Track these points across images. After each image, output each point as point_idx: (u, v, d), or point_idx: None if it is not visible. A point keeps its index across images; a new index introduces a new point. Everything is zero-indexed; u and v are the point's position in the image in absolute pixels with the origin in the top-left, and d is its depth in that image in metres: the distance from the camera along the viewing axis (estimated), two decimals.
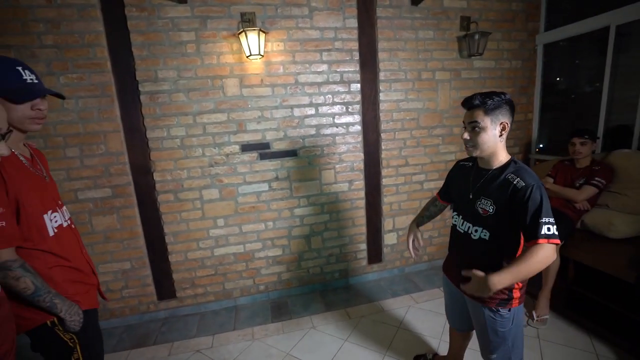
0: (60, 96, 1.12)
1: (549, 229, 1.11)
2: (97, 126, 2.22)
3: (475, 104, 1.21)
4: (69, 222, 1.19)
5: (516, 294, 1.29)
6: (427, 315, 2.37)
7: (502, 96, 1.20)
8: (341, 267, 2.86)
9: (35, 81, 1.04)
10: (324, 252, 2.78)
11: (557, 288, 2.19)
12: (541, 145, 3.16)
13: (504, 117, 1.21)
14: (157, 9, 2.17)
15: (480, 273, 1.18)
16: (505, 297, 1.28)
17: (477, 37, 2.58)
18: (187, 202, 2.44)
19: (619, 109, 2.51)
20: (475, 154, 1.27)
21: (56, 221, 1.11)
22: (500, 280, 1.13)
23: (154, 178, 2.36)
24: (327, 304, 2.62)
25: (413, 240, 1.66)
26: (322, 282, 2.84)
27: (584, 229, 2.33)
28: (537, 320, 2.15)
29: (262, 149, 2.49)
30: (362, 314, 2.45)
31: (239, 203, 2.53)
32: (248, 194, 2.53)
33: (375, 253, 2.92)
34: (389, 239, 2.92)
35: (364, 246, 2.88)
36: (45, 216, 1.06)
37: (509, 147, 3.03)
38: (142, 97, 2.24)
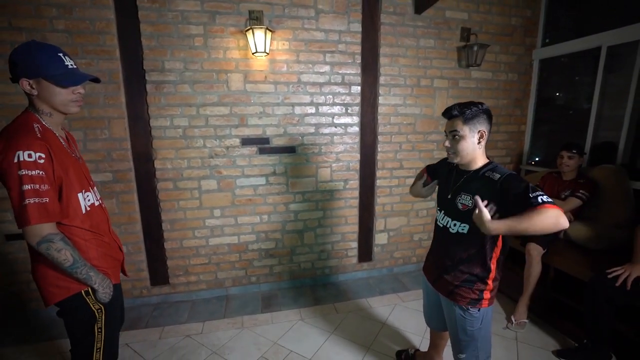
0: (97, 80, 1.19)
1: (546, 198, 1.11)
2: (102, 112, 2.27)
3: (454, 114, 1.29)
4: (100, 201, 1.27)
5: (486, 295, 1.35)
6: (412, 314, 2.46)
7: (480, 106, 1.28)
8: (332, 263, 2.93)
9: (74, 66, 1.12)
10: (316, 248, 2.86)
11: (537, 294, 2.29)
12: (537, 159, 3.26)
13: (482, 126, 1.28)
14: (168, 1, 2.23)
15: (481, 208, 1.16)
16: (475, 297, 1.35)
17: (475, 48, 2.67)
18: (185, 191, 2.50)
19: (606, 126, 2.62)
20: (456, 160, 1.35)
21: (89, 200, 1.19)
22: (495, 224, 1.13)
23: (155, 166, 2.42)
24: (316, 298, 2.70)
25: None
26: (313, 277, 2.91)
27: (566, 239, 2.43)
28: (515, 324, 2.25)
29: (262, 144, 2.56)
30: (350, 309, 2.53)
31: (236, 195, 2.59)
32: (245, 186, 2.59)
33: (365, 252, 3.00)
34: (380, 238, 3.00)
35: (355, 244, 2.96)
36: (79, 195, 1.14)
37: (501, 157, 3.15)
38: (148, 86, 2.30)
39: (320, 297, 2.70)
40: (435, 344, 1.82)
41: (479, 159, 1.33)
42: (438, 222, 1.49)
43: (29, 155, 0.96)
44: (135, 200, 2.44)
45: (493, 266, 1.33)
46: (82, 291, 1.13)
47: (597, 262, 2.10)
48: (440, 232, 1.47)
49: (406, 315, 2.45)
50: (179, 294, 2.66)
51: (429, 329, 2.01)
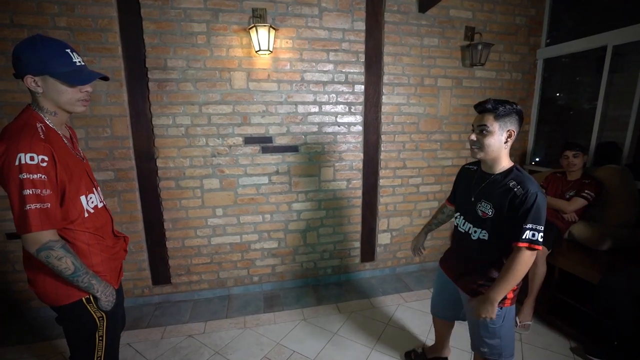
0: (106, 78, 1.14)
1: (533, 235, 1.19)
2: (104, 110, 2.25)
3: (488, 108, 1.27)
4: (103, 202, 1.22)
5: (509, 294, 1.35)
6: (415, 314, 2.44)
7: (514, 105, 1.26)
8: (334, 263, 2.92)
9: (82, 63, 1.07)
10: (318, 248, 2.84)
11: (542, 295, 2.27)
12: (537, 159, 3.25)
13: (512, 125, 1.26)
14: None
15: (477, 299, 1.33)
16: None
17: (480, 47, 2.66)
18: (187, 190, 2.48)
19: (611, 127, 2.60)
20: (479, 156, 1.33)
21: (92, 202, 1.14)
22: (495, 295, 1.26)
23: (157, 164, 2.40)
24: (318, 298, 2.68)
25: (417, 247, 1.84)
26: (315, 276, 2.89)
27: (571, 239, 2.41)
28: (520, 326, 2.23)
29: (265, 143, 2.54)
30: (353, 309, 2.52)
31: (239, 194, 2.58)
32: (248, 185, 2.58)
33: (368, 252, 2.98)
34: (383, 238, 2.98)
35: (357, 244, 2.94)
36: (82, 198, 1.09)
37: None
38: (150, 84, 2.29)
39: (322, 297, 2.69)
40: (441, 335, 1.87)
41: (503, 160, 1.32)
42: (459, 228, 1.49)
43: (31, 158, 0.91)
44: (137, 199, 2.42)
45: None
46: (83, 298, 1.09)
47: (603, 262, 2.09)
48: (461, 237, 1.47)
49: (409, 315, 2.43)
50: (180, 294, 2.65)
51: (433, 328, 2.06)
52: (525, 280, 2.27)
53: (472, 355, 1.59)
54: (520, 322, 2.24)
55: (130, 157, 2.35)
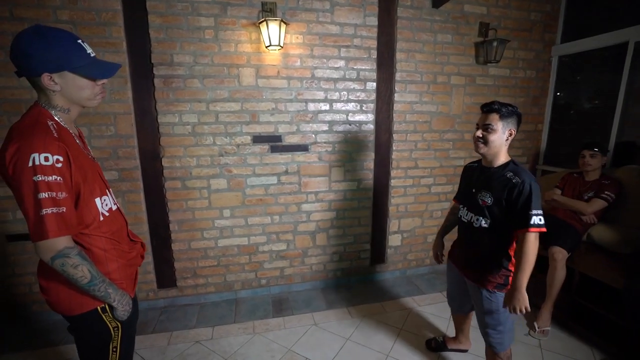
0: (120, 66, 1.06)
1: (540, 220, 1.33)
2: (108, 107, 2.17)
3: (494, 108, 1.44)
4: (117, 204, 1.14)
5: (511, 280, 1.46)
6: (429, 319, 2.37)
7: (515, 108, 1.46)
8: (344, 265, 2.84)
9: (94, 54, 0.99)
10: (328, 250, 2.76)
11: (561, 299, 2.20)
12: (554, 159, 3.17)
13: (512, 126, 1.45)
14: None
15: (506, 295, 1.43)
16: (502, 281, 1.49)
17: (495, 44, 2.58)
18: (194, 190, 2.40)
19: (630, 126, 2.52)
20: (483, 150, 1.48)
21: (106, 204, 1.06)
22: (520, 283, 1.35)
23: (162, 164, 2.32)
24: (328, 301, 2.61)
25: (438, 255, 1.91)
26: (324, 279, 2.82)
27: (590, 242, 2.34)
28: (538, 332, 2.16)
29: (274, 142, 2.46)
30: (364, 314, 2.44)
31: (247, 195, 2.50)
32: (256, 186, 2.50)
33: (378, 254, 2.91)
34: (393, 240, 2.91)
35: (368, 246, 2.87)
36: (97, 200, 1.02)
37: (517, 156, 3.07)
38: (156, 81, 2.20)
39: (333, 301, 2.61)
40: (460, 328, 1.98)
41: (502, 156, 1.49)
42: (462, 218, 1.63)
43: (46, 159, 0.84)
44: (142, 199, 2.34)
45: (513, 255, 1.48)
46: (99, 307, 1.01)
47: (626, 266, 2.01)
48: (465, 227, 1.62)
49: (423, 320, 2.36)
50: (186, 297, 2.57)
51: (448, 330, 2.13)
52: (543, 284, 2.22)
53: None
54: (538, 328, 2.17)
55: (135, 156, 2.27)
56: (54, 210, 0.85)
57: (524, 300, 1.34)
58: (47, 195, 0.84)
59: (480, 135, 1.47)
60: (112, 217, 1.07)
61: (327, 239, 2.74)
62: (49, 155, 0.85)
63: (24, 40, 0.87)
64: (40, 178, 0.83)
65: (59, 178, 0.86)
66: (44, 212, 0.84)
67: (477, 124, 1.51)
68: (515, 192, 1.36)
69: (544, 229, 1.33)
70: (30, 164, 0.83)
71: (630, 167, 2.34)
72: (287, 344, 2.12)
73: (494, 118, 1.44)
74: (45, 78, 0.89)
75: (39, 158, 0.83)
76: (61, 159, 0.87)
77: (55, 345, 2.09)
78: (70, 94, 0.95)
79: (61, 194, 0.86)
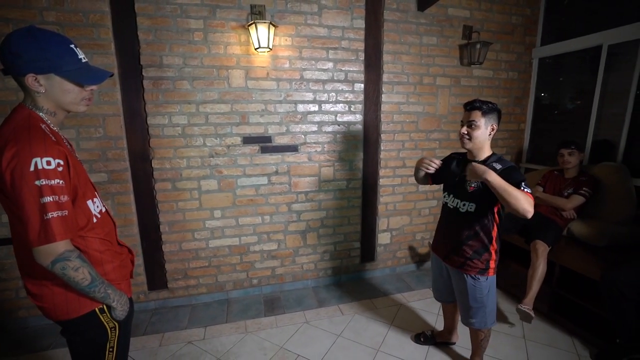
0: (111, 75, 1.06)
1: (527, 189, 1.40)
2: (97, 109, 2.16)
3: (476, 106, 1.55)
4: (105, 207, 1.14)
5: (491, 264, 1.61)
6: (418, 314, 2.43)
7: (494, 105, 1.57)
8: (334, 264, 2.88)
9: (86, 59, 0.99)
10: (318, 249, 2.80)
11: (542, 291, 2.28)
12: (536, 157, 3.28)
13: (494, 121, 1.57)
14: None
15: (477, 165, 1.46)
16: (483, 267, 1.60)
17: (478, 46, 2.66)
18: (184, 191, 2.40)
19: (605, 125, 2.64)
20: (469, 146, 1.59)
21: (97, 207, 1.07)
22: (493, 175, 1.39)
23: (152, 165, 2.32)
24: (319, 300, 2.64)
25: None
26: (315, 278, 2.85)
27: (570, 236, 2.44)
28: (526, 308, 2.10)
29: (264, 142, 2.49)
30: (355, 311, 2.48)
31: (237, 195, 2.51)
32: (247, 186, 2.52)
33: (368, 252, 2.96)
34: (383, 238, 2.96)
35: (357, 244, 2.91)
36: (89, 202, 1.02)
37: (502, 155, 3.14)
38: (145, 83, 2.20)
39: (324, 299, 2.65)
40: (449, 319, 2.04)
41: (486, 150, 1.60)
42: (448, 205, 1.71)
43: (48, 163, 0.84)
44: (132, 201, 2.33)
45: (494, 238, 1.59)
46: (97, 309, 1.01)
47: (603, 259, 2.11)
48: (450, 214, 1.70)
49: (413, 315, 2.42)
50: (178, 299, 2.56)
51: (438, 327, 2.13)
52: (525, 277, 2.29)
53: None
54: (524, 306, 2.13)
55: (125, 158, 2.26)
56: (59, 213, 0.85)
57: (485, 172, 1.39)
58: (51, 199, 0.84)
59: (466, 132, 1.57)
60: (103, 219, 1.08)
61: (318, 238, 2.77)
62: (50, 159, 0.85)
63: (14, 38, 0.87)
64: (43, 182, 0.83)
65: (61, 182, 0.86)
66: (50, 216, 0.84)
67: (462, 121, 1.62)
68: (503, 175, 1.42)
69: (531, 196, 1.38)
70: (32, 168, 0.82)
71: (606, 164, 2.45)
72: (279, 342, 2.15)
73: (476, 115, 1.54)
74: (30, 78, 0.89)
75: (41, 162, 0.83)
76: (62, 162, 0.88)
77: (43, 350, 2.06)
78: (55, 96, 0.94)
79: (63, 197, 0.87)
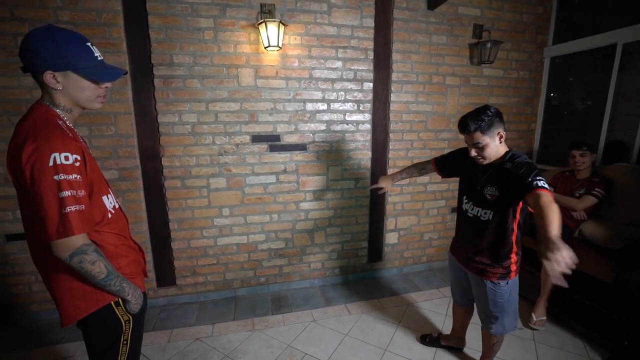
0: (125, 73, 1.08)
1: (544, 183, 1.28)
2: (108, 107, 2.19)
3: (472, 129, 1.41)
4: (118, 204, 1.16)
5: (512, 267, 1.54)
6: (426, 315, 2.41)
7: (489, 112, 1.41)
8: (342, 263, 2.88)
9: (102, 57, 1.01)
10: (326, 248, 2.80)
11: (554, 294, 2.26)
12: (547, 157, 3.23)
13: (499, 129, 1.44)
14: None
15: (543, 250, 1.10)
16: (504, 272, 1.53)
17: (489, 45, 2.64)
18: (193, 189, 2.42)
19: (619, 126, 2.59)
20: (486, 162, 1.50)
21: (111, 202, 1.09)
22: (554, 233, 1.11)
23: (162, 163, 2.34)
24: (327, 299, 2.64)
25: (380, 188, 2.04)
26: (323, 277, 2.85)
27: (581, 238, 2.40)
28: (536, 322, 2.20)
29: (273, 141, 2.49)
30: (362, 310, 2.48)
31: (246, 194, 2.52)
32: (255, 185, 2.53)
33: (375, 251, 2.95)
34: (390, 238, 2.95)
35: (365, 244, 2.91)
36: (104, 197, 1.04)
37: None
38: (155, 81, 2.22)
39: (331, 298, 2.65)
40: (459, 322, 1.97)
41: (501, 152, 1.50)
42: (468, 213, 1.62)
43: (66, 158, 0.86)
44: (142, 198, 2.36)
45: (514, 242, 1.51)
46: (112, 302, 1.04)
47: (616, 261, 2.07)
48: (470, 221, 1.61)
49: (420, 315, 2.41)
50: (186, 296, 2.59)
51: (445, 330, 2.14)
52: (538, 279, 2.28)
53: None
54: (536, 318, 2.21)
55: (135, 155, 2.29)
56: (77, 207, 0.87)
57: (561, 247, 1.04)
58: (69, 194, 0.86)
59: (476, 154, 1.48)
60: (117, 215, 1.10)
61: (325, 237, 2.77)
62: (68, 154, 0.87)
63: (33, 37, 0.90)
64: (62, 177, 0.85)
65: (78, 177, 0.88)
66: (68, 210, 0.86)
67: (467, 143, 1.51)
68: (512, 173, 1.38)
69: (548, 191, 1.25)
70: (51, 163, 0.84)
71: (619, 165, 2.41)
72: (287, 340, 2.15)
73: (478, 136, 1.42)
74: (48, 75, 0.91)
75: (59, 157, 0.85)
76: (79, 158, 0.90)
77: (55, 344, 2.10)
78: (71, 93, 0.96)
79: (80, 192, 0.89)
